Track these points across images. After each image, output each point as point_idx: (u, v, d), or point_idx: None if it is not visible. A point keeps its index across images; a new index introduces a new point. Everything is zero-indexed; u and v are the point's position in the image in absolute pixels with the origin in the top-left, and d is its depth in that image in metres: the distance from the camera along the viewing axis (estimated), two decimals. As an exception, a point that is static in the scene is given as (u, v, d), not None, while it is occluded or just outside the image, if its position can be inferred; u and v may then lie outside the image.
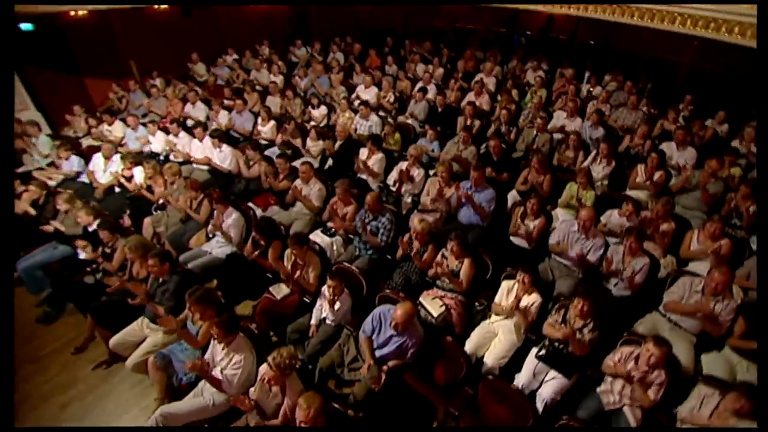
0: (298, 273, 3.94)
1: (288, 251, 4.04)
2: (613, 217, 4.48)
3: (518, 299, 3.51)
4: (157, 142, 6.26)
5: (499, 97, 7.51)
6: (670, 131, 5.93)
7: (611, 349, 3.14)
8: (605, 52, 10.00)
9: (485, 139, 6.19)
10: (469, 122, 6.53)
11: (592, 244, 4.00)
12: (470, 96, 7.48)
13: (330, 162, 6.05)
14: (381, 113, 7.23)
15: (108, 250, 4.14)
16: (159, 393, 3.32)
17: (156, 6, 9.93)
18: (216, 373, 3.05)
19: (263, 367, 2.86)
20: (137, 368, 3.48)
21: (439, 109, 7.14)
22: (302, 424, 2.49)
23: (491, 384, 3.09)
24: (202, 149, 6.00)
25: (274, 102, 7.61)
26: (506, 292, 3.70)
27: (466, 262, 3.83)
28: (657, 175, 4.94)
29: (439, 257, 3.98)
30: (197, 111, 7.25)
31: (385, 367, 3.18)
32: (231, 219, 4.51)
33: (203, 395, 3.16)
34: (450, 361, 3.23)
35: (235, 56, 10.08)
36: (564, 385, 3.11)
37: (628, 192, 5.10)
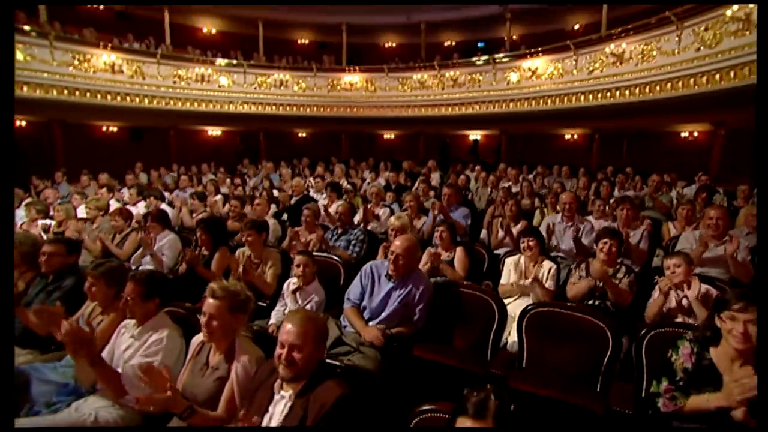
0: (252, 272, 3.06)
1: (239, 251, 3.24)
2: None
3: (529, 270, 2.94)
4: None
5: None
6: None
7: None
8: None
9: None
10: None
11: (582, 227, 3.72)
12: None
13: (285, 216, 5.57)
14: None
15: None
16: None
17: (105, 129, 10.13)
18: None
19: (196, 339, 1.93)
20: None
21: (393, 186, 7.28)
22: (281, 358, 1.51)
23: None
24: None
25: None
26: (513, 269, 3.12)
27: (459, 250, 3.34)
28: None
29: (429, 249, 3.41)
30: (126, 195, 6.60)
31: (386, 330, 2.27)
32: (166, 239, 3.67)
33: (79, 411, 1.91)
34: (472, 315, 2.39)
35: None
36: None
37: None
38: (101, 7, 10.40)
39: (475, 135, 13.11)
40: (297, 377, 1.52)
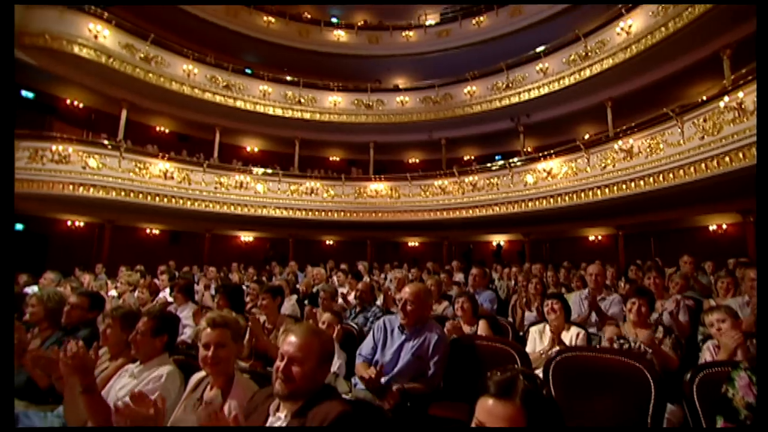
0: (264, 337, 2.98)
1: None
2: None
3: (557, 335, 2.76)
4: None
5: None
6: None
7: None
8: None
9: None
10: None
11: (610, 298, 3.52)
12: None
13: (306, 302, 5.53)
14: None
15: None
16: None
17: (148, 231, 10.96)
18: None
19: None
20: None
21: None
22: (278, 371, 1.44)
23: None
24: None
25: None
26: (538, 337, 2.93)
27: (482, 323, 3.20)
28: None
29: (450, 322, 3.28)
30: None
31: (398, 386, 2.08)
32: (187, 311, 3.70)
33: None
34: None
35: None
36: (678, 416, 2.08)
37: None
38: (166, 130, 12.26)
39: (498, 240, 13.22)
40: (294, 395, 1.38)
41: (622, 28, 8.84)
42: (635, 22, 8.65)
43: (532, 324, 3.10)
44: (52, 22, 8.62)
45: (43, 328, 2.92)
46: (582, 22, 10.40)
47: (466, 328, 3.14)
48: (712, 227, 9.52)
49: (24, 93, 9.54)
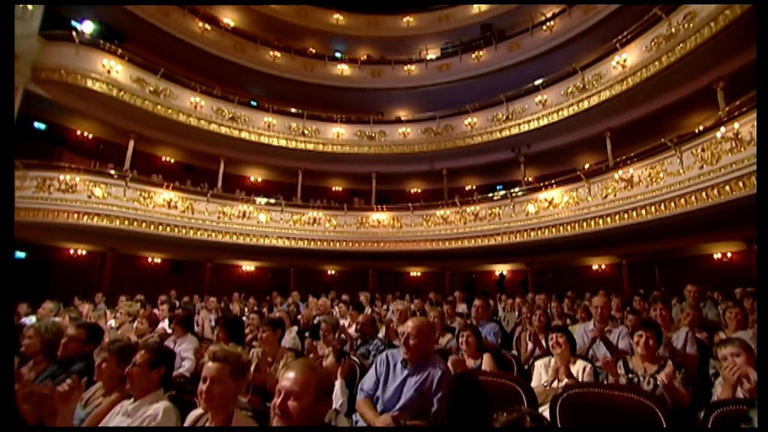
0: (264, 369, 2.93)
1: (253, 351, 3.15)
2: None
3: (564, 369, 2.71)
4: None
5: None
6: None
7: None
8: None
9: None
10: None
11: (618, 331, 3.44)
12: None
13: (307, 334, 5.44)
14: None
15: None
16: None
17: (150, 260, 10.94)
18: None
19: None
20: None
21: (418, 313, 7.15)
22: (275, 407, 1.42)
23: None
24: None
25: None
26: (543, 371, 2.87)
27: (486, 356, 3.12)
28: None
29: (453, 357, 3.22)
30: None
31: (401, 420, 2.02)
32: (186, 342, 3.64)
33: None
34: (497, 405, 2.10)
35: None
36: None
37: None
38: (172, 160, 12.46)
39: (501, 269, 13.11)
40: (291, 432, 1.36)
41: (617, 62, 9.10)
42: (630, 56, 8.91)
43: (538, 357, 3.03)
44: (69, 58, 8.96)
45: (39, 360, 2.87)
46: (578, 56, 10.73)
47: (470, 362, 3.07)
48: (717, 255, 9.45)
49: (36, 124, 9.80)
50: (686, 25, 7.55)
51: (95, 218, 8.38)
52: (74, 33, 9.21)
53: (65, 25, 9.94)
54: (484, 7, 14.93)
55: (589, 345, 3.24)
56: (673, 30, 7.84)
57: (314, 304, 7.93)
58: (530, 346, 3.80)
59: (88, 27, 10.36)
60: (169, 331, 5.13)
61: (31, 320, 4.70)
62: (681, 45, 7.59)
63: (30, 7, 8.52)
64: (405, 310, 5.25)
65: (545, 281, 11.88)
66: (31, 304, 5.56)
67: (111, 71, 9.42)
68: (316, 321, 5.79)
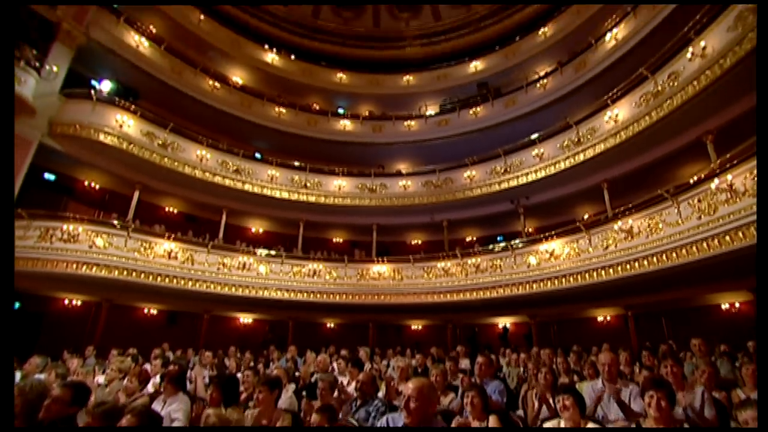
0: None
1: (248, 412, 3.02)
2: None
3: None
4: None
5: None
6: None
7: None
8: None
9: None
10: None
11: (628, 390, 3.28)
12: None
13: (304, 393, 5.20)
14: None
15: None
16: None
17: (146, 312, 10.72)
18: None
19: None
20: None
21: (419, 370, 6.91)
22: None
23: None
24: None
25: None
26: (551, 434, 2.70)
27: (492, 418, 2.99)
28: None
29: (458, 419, 3.07)
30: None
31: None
32: (177, 402, 3.47)
33: None
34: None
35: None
36: None
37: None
38: (175, 210, 12.60)
39: (504, 322, 12.76)
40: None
41: (610, 117, 9.46)
42: (621, 111, 9.29)
43: (546, 419, 2.87)
44: (85, 114, 9.35)
45: (17, 424, 2.73)
46: (571, 111, 11.20)
47: (476, 424, 2.91)
48: (725, 306, 9.24)
49: (46, 175, 10.04)
50: (671, 84, 7.96)
51: (94, 268, 8.33)
52: (92, 91, 9.71)
53: (86, 83, 10.50)
54: (480, 66, 15.82)
55: (595, 404, 3.08)
56: (659, 88, 8.25)
57: (312, 360, 7.66)
58: (536, 405, 3.61)
59: (106, 86, 10.93)
60: (161, 389, 4.92)
61: (16, 377, 4.53)
62: (668, 101, 7.94)
63: (55, 68, 9.06)
64: (406, 368, 5.05)
65: (550, 334, 11.52)
66: (18, 358, 5.38)
67: (123, 125, 9.80)
68: (313, 379, 5.56)
